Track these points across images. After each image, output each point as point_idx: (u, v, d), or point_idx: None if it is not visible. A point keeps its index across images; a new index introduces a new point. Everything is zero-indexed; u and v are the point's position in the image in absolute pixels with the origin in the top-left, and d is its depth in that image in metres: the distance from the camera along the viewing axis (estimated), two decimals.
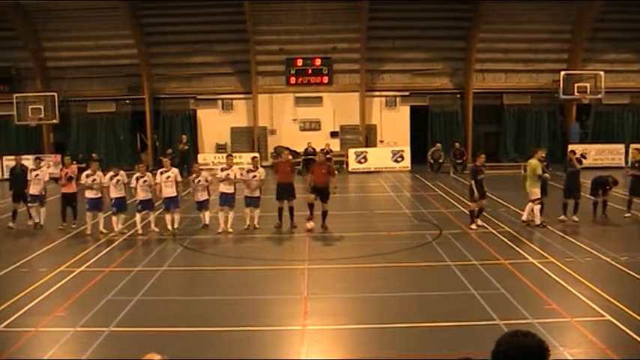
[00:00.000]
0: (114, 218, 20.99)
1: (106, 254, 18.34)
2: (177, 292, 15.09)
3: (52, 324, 12.46)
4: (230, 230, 20.89)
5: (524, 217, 21.02)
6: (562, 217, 21.23)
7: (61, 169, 22.75)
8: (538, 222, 20.53)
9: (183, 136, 38.11)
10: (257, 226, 21.25)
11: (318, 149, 36.75)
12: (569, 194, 21.55)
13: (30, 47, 38.77)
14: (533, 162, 20.76)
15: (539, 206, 20.58)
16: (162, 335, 11.52)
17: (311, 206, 20.95)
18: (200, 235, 20.96)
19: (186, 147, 37.52)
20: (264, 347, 11.27)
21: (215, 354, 10.69)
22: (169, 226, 20.86)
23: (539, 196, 20.55)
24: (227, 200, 21.11)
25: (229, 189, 21.12)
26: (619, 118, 41.20)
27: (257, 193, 21.25)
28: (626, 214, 21.92)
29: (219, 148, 39.39)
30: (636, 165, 22.20)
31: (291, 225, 21.33)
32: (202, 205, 21.82)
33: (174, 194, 20.96)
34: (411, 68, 40.38)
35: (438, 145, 38.38)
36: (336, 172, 22.96)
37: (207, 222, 21.83)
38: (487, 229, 20.61)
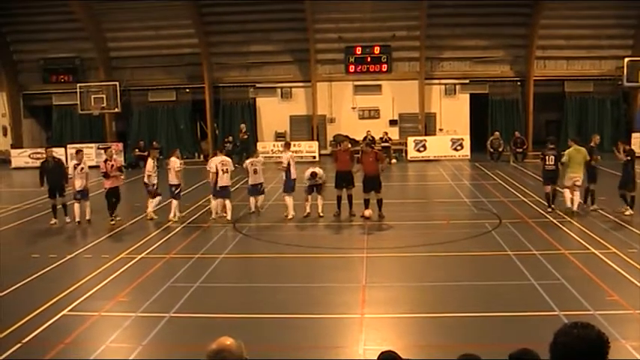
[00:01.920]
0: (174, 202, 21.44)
1: (166, 241, 18.62)
2: (236, 279, 15.25)
3: (115, 309, 12.72)
4: (289, 216, 21.35)
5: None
6: (621, 209, 20.79)
7: (106, 162, 21.38)
8: (575, 207, 20.84)
9: (242, 126, 38.40)
10: (321, 214, 21.31)
11: (377, 137, 36.74)
12: (621, 186, 21.07)
13: (94, 38, 39.46)
14: (584, 149, 21.06)
15: (567, 190, 20.96)
16: (222, 322, 11.66)
17: (366, 201, 20.98)
18: (259, 222, 21.15)
19: (246, 136, 37.79)
20: (322, 335, 11.32)
21: (274, 341, 10.78)
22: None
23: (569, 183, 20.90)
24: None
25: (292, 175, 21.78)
26: None
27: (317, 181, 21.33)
28: None
29: (279, 136, 39.58)
30: None
31: (349, 213, 21.34)
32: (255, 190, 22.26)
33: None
34: (471, 56, 39.96)
35: (497, 133, 37.99)
36: (390, 158, 23.04)
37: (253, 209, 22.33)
38: (547, 218, 20.38)
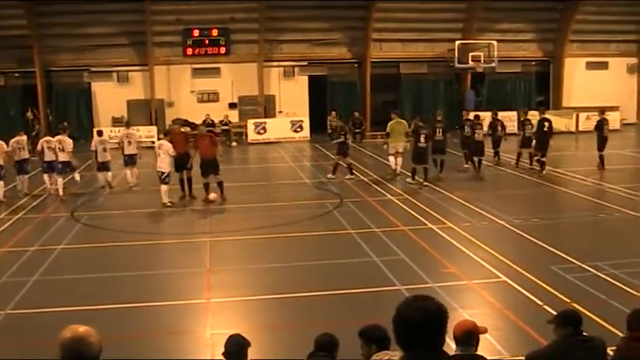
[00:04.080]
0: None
1: None
2: (77, 271, 14.65)
3: None
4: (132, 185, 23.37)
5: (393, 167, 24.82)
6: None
7: None
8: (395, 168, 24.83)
9: (29, 114, 37.08)
10: (168, 203, 20.56)
11: (217, 121, 36.51)
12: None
13: None
14: (404, 122, 25.24)
15: (392, 157, 24.80)
16: (64, 315, 11.17)
17: (206, 185, 20.88)
18: (100, 211, 20.54)
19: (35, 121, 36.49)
20: (169, 321, 11.17)
21: (121, 331, 10.48)
22: None
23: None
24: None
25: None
26: (512, 86, 42.45)
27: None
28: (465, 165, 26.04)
29: (116, 121, 38.49)
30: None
31: (190, 196, 21.20)
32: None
33: None
34: (310, 38, 40.29)
35: (333, 113, 38.61)
36: (231, 141, 24.04)
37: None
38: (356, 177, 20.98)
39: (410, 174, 23.20)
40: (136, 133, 26.07)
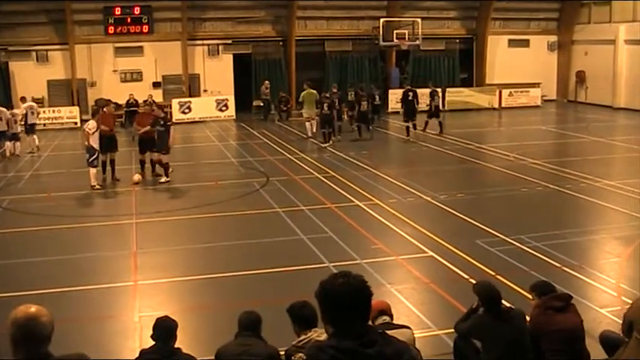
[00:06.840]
0: None
1: None
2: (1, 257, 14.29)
3: None
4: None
5: (309, 134, 28.72)
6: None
7: None
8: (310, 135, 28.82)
9: None
10: (97, 186, 20.18)
11: (140, 100, 35.93)
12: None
13: None
14: (315, 92, 28.96)
15: (307, 123, 29.00)
16: None
17: (143, 162, 20.77)
18: (21, 194, 19.98)
19: None
20: (96, 305, 11.00)
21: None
22: None
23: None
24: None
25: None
26: (436, 63, 42.82)
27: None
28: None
29: (36, 102, 37.38)
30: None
31: (113, 178, 20.85)
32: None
33: None
34: (234, 16, 39.87)
35: (267, 82, 38.02)
36: None
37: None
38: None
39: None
40: (36, 106, 30.20)
